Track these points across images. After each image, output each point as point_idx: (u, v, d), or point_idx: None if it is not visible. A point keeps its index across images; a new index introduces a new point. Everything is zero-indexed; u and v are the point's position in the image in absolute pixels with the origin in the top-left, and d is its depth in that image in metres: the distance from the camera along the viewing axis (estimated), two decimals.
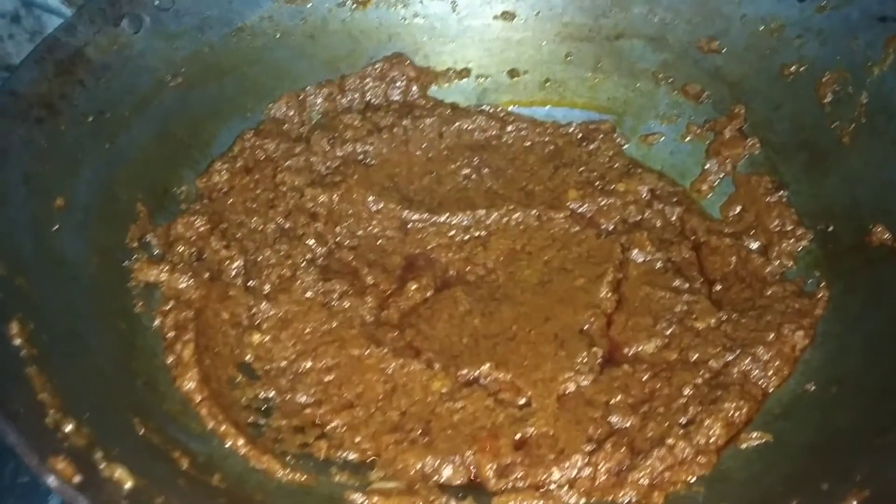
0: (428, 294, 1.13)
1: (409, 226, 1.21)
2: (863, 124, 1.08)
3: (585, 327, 1.07)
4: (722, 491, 0.87)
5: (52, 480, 0.66)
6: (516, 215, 1.21)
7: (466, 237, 1.20)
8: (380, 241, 1.20)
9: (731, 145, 1.22)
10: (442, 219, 1.21)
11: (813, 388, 0.95)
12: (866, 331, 0.96)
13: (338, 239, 1.18)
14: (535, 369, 1.03)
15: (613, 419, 0.97)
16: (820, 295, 1.03)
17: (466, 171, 1.28)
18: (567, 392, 1.00)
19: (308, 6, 1.28)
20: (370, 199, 1.21)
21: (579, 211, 1.22)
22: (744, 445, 0.92)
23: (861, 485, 0.75)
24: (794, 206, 1.14)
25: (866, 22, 1.08)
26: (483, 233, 1.21)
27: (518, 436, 0.97)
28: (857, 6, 1.09)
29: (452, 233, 1.21)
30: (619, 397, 0.99)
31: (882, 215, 1.01)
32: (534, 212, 1.20)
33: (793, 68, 1.17)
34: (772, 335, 0.99)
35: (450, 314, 1.10)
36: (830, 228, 1.09)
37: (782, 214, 1.13)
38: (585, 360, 1.03)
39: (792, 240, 1.11)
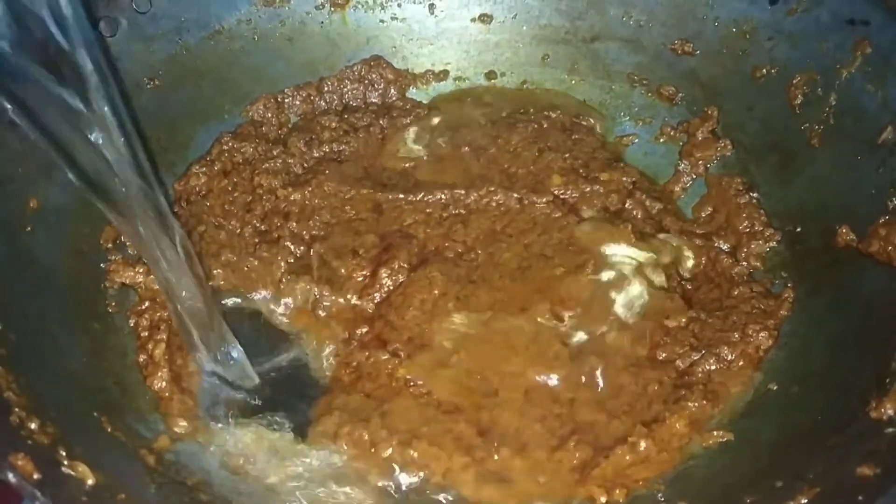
0: (401, 278, 1.11)
1: (383, 206, 1.20)
2: (831, 126, 1.08)
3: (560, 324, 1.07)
4: (682, 489, 0.88)
5: (11, 477, 0.67)
6: (497, 196, 1.19)
7: (445, 214, 1.19)
8: (353, 224, 1.19)
9: (704, 147, 1.23)
10: (418, 197, 1.20)
11: (775, 387, 0.96)
12: (829, 332, 0.97)
13: (312, 232, 1.18)
14: (504, 361, 1.03)
15: (579, 415, 0.97)
16: (785, 296, 1.04)
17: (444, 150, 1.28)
18: (535, 386, 1.00)
19: (286, 9, 1.30)
20: (342, 188, 1.21)
21: (562, 197, 1.21)
22: (706, 444, 0.93)
23: (812, 482, 0.76)
24: (763, 208, 1.15)
25: (835, 25, 1.09)
26: (462, 211, 1.20)
27: (481, 422, 0.97)
28: (827, 9, 1.10)
29: (430, 210, 1.20)
30: (586, 394, 0.99)
31: (848, 217, 1.02)
32: (516, 195, 1.19)
33: (764, 70, 1.18)
34: (736, 335, 1.00)
35: (423, 299, 1.09)
36: (798, 230, 1.10)
37: (752, 215, 1.14)
38: (556, 355, 1.03)
39: (760, 241, 1.12)
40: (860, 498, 0.70)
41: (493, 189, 1.20)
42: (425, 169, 1.27)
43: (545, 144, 1.27)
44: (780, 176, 1.14)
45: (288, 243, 1.16)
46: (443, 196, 1.20)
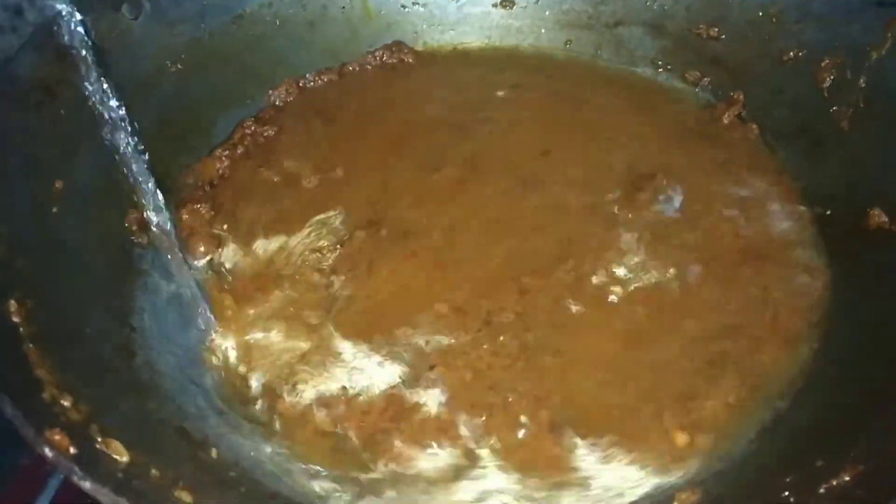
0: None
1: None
2: (861, 109, 1.07)
3: None
4: (718, 469, 0.87)
5: (48, 452, 0.66)
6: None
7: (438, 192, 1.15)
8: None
9: (731, 131, 1.22)
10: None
11: (810, 369, 0.95)
12: (863, 313, 0.96)
13: None
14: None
15: None
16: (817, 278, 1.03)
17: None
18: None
19: None
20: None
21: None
22: (741, 425, 0.92)
23: (855, 461, 0.75)
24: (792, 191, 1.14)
25: (864, 6, 1.07)
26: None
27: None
28: None
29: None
30: None
31: (879, 199, 1.01)
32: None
33: (792, 53, 1.17)
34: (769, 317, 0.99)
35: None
36: (828, 213, 1.09)
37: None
38: None
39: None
40: None
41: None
42: None
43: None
44: (809, 159, 1.13)
45: None
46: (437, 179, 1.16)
